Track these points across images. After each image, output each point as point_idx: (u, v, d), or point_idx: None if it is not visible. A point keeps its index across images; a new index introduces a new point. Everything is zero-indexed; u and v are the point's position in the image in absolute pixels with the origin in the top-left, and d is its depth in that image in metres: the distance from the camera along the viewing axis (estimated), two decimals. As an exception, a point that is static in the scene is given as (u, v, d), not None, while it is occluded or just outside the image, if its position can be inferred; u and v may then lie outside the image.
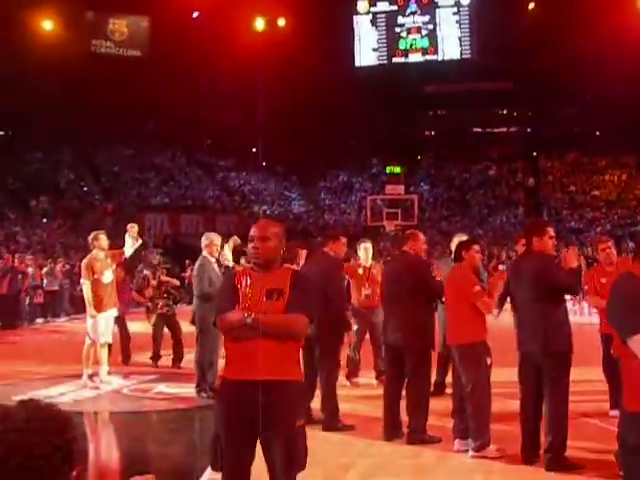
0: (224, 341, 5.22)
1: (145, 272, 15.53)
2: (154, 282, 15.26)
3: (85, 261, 12.93)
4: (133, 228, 13.29)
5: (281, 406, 4.85)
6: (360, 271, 12.73)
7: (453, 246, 9.85)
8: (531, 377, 7.76)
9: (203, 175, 55.56)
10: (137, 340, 15.90)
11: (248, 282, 5.08)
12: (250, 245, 5.15)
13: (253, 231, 5.17)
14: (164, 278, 15.46)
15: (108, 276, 12.84)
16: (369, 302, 12.53)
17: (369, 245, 13.13)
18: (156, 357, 14.99)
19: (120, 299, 15.21)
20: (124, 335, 15.50)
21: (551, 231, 7.90)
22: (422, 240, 9.26)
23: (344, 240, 10.20)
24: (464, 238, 9.98)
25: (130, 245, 13.13)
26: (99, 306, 12.63)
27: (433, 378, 10.02)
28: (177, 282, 16.54)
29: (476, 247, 8.59)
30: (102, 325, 12.71)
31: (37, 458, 2.05)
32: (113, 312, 13.12)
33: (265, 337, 4.87)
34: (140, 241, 13.35)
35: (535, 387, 7.72)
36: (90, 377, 12.65)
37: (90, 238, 12.99)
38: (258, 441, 4.97)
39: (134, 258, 13.84)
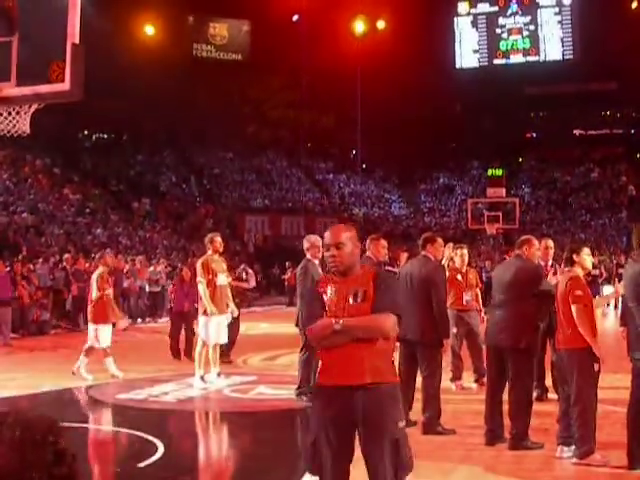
0: (317, 348, 5.21)
1: None
2: None
3: (201, 261, 13.08)
4: None
5: (381, 409, 4.83)
6: (459, 277, 12.68)
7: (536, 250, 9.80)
8: None
9: (303, 177, 55.83)
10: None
11: (332, 289, 5.07)
12: (327, 253, 5.15)
13: (327, 239, 5.16)
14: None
15: (222, 279, 12.98)
16: (468, 306, 12.60)
17: (465, 251, 13.10)
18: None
19: (190, 299, 15.72)
20: (188, 333, 16.05)
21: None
22: (536, 246, 9.25)
23: (440, 241, 10.11)
24: (549, 243, 10.65)
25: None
26: (213, 307, 12.74)
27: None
28: (246, 285, 17.12)
29: (587, 250, 8.46)
30: (213, 326, 12.80)
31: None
32: (224, 317, 13.21)
33: (356, 341, 4.86)
34: None
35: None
36: (202, 377, 12.78)
37: (206, 240, 13.22)
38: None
39: None
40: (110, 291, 13.99)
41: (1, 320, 19.28)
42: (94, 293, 13.72)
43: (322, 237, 12.03)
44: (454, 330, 12.29)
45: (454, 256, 12.99)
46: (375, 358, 4.88)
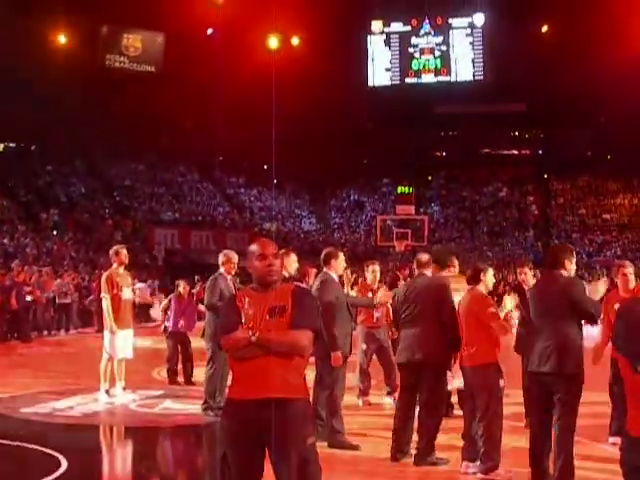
0: (229, 361, 5.19)
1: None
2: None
3: (105, 275, 12.87)
4: None
5: (290, 424, 4.81)
6: (369, 294, 12.66)
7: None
8: (541, 399, 7.72)
9: (214, 191, 55.65)
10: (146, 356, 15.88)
11: (250, 302, 5.05)
12: (261, 263, 5.08)
13: (262, 249, 5.12)
14: None
15: (127, 292, 12.83)
16: (379, 323, 12.60)
17: (377, 267, 13.10)
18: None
19: (185, 317, 15.29)
20: (185, 354, 15.07)
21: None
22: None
23: (342, 257, 10.09)
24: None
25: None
26: (118, 322, 12.55)
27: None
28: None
29: (491, 271, 8.64)
30: (120, 341, 12.64)
31: None
32: (130, 331, 13.04)
33: (271, 355, 4.84)
34: None
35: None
36: (107, 392, 12.61)
37: (111, 253, 12.97)
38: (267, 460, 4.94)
39: None
40: None
41: None
42: None
43: (235, 252, 12.07)
44: (363, 347, 12.36)
45: (366, 272, 13.03)
46: (287, 373, 4.87)
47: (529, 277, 10.82)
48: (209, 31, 53.31)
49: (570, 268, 7.75)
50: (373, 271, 12.87)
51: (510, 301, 8.49)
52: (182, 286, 15.54)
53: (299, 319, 4.92)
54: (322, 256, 9.91)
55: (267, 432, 4.76)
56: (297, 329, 4.88)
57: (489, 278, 8.52)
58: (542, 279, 8.65)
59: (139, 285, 14.89)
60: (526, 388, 9.07)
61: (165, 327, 15.44)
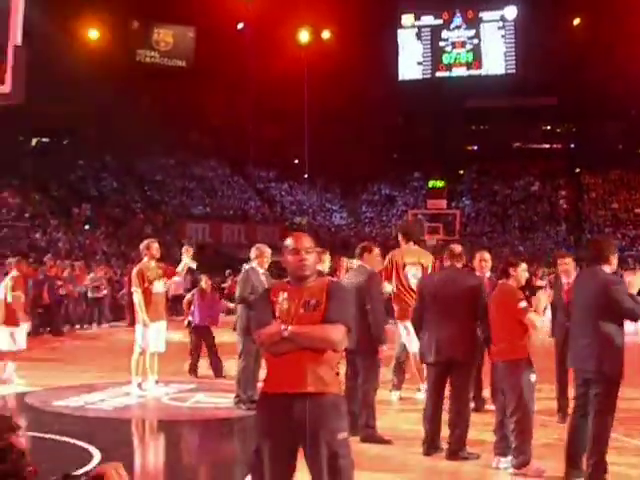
0: (264, 354, 5.19)
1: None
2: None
3: (136, 269, 12.87)
4: (188, 252, 13.28)
5: (321, 419, 4.81)
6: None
7: (475, 263, 9.98)
8: (579, 396, 7.67)
9: (245, 186, 55.72)
10: (178, 349, 15.90)
11: (285, 296, 5.05)
12: (294, 257, 5.09)
13: (295, 244, 5.12)
14: None
15: (158, 286, 12.81)
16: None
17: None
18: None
19: (211, 312, 15.37)
20: (210, 348, 15.02)
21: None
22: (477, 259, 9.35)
23: (377, 251, 10.12)
24: (486, 255, 10.66)
25: (182, 265, 13.17)
26: (149, 315, 12.54)
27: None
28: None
29: (524, 265, 8.55)
30: (152, 334, 12.64)
31: None
32: (163, 323, 13.03)
33: (303, 350, 4.85)
34: (194, 265, 13.42)
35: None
36: (139, 385, 12.66)
37: (142, 246, 12.95)
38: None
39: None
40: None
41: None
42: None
43: (269, 246, 12.06)
44: (402, 341, 12.28)
45: None
46: (320, 368, 4.86)
47: (571, 267, 10.59)
48: (240, 26, 53.37)
49: (614, 263, 7.69)
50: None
51: (544, 297, 8.43)
52: (204, 281, 15.56)
53: (332, 314, 4.91)
54: (357, 250, 9.93)
55: (299, 426, 4.77)
56: (330, 323, 4.88)
57: (521, 273, 8.43)
58: (583, 274, 8.51)
59: (175, 279, 14.80)
60: (562, 383, 9.02)
61: (189, 322, 15.48)
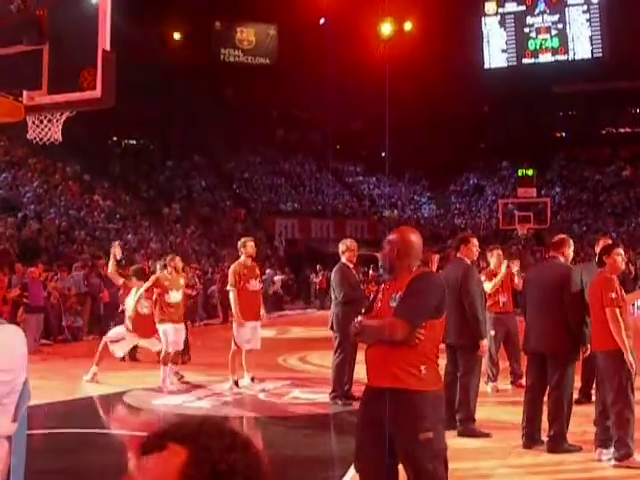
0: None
1: None
2: None
3: (232, 267, 12.89)
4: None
5: (399, 417, 4.71)
6: (497, 279, 12.52)
7: (597, 249, 9.75)
8: None
9: (333, 180, 55.82)
10: (273, 345, 15.96)
11: (383, 289, 5.13)
12: (382, 251, 5.18)
13: (388, 237, 5.21)
14: None
15: (254, 284, 12.81)
16: (505, 309, 12.49)
17: (500, 252, 12.97)
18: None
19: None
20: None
21: None
22: (572, 247, 9.12)
23: (475, 241, 10.01)
24: (609, 241, 9.93)
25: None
26: (245, 314, 12.58)
27: (577, 384, 9.69)
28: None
29: (618, 250, 8.29)
30: (247, 332, 12.66)
31: None
32: (258, 322, 12.99)
33: (379, 344, 4.89)
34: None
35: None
36: (235, 383, 12.73)
37: (239, 245, 12.96)
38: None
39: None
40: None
41: (33, 326, 19.15)
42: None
43: (355, 240, 12.07)
44: (492, 332, 12.18)
45: (489, 257, 12.90)
46: (394, 364, 4.81)
47: None
48: (321, 20, 53.40)
49: None
50: (498, 255, 12.75)
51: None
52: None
53: (400, 307, 4.89)
54: (454, 242, 9.91)
55: (381, 421, 4.72)
56: (396, 317, 4.84)
57: (616, 258, 8.17)
58: None
59: (277, 277, 14.85)
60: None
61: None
